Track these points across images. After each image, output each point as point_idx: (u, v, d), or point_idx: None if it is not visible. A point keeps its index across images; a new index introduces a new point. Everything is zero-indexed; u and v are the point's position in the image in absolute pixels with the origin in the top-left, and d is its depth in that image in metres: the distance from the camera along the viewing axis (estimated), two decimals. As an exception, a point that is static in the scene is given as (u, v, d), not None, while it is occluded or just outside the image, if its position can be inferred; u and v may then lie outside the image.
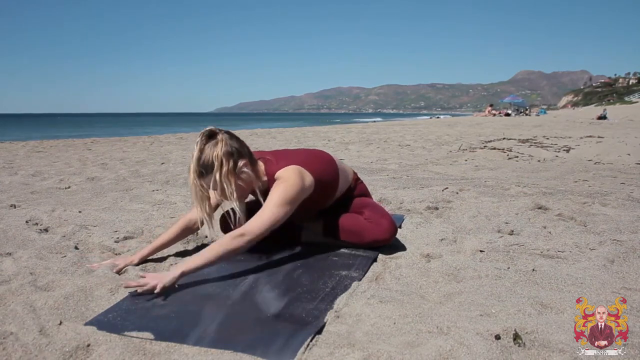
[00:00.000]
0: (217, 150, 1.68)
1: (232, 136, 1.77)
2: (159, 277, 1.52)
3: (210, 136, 1.72)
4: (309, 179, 1.80)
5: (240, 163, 1.74)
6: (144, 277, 1.55)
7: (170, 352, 1.14)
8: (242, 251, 1.68)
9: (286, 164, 1.81)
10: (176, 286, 1.55)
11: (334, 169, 1.97)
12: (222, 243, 1.63)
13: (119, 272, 1.72)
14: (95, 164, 5.52)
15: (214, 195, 1.83)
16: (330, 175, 1.94)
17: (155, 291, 1.49)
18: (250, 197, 1.91)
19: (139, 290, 1.50)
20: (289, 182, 1.74)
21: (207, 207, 1.77)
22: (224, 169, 1.68)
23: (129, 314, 1.34)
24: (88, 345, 1.16)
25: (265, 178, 1.85)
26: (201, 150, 1.68)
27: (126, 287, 1.53)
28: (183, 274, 1.55)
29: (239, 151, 1.75)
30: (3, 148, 8.12)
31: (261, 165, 1.86)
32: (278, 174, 1.79)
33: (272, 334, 1.22)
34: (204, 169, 1.69)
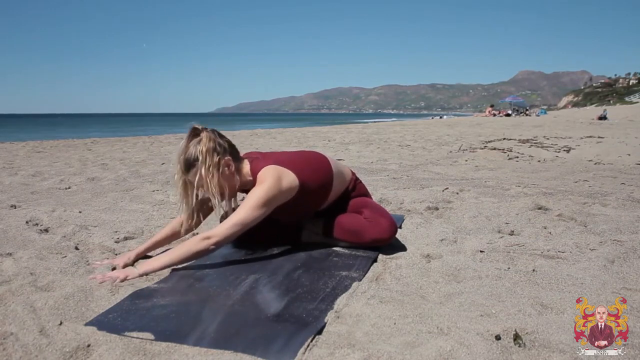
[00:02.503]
0: (200, 147, 1.74)
1: (217, 134, 1.82)
2: (125, 272, 1.65)
3: (195, 134, 1.78)
4: (289, 179, 1.80)
5: (223, 160, 1.78)
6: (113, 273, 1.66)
7: (170, 352, 1.14)
8: (207, 253, 1.74)
9: (268, 163, 1.83)
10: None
11: (326, 171, 1.96)
12: (188, 245, 1.70)
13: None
14: (96, 164, 5.52)
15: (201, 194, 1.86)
16: (322, 177, 1.94)
17: (117, 282, 1.58)
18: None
19: (102, 280, 1.59)
20: (265, 184, 1.76)
21: (190, 202, 1.82)
22: (207, 163, 1.73)
23: (129, 314, 1.34)
24: (88, 346, 1.16)
25: (250, 177, 1.86)
26: (186, 147, 1.76)
27: (90, 278, 1.61)
28: (146, 273, 1.67)
29: (223, 148, 1.79)
30: (3, 148, 8.13)
31: (247, 165, 1.89)
32: (259, 173, 1.81)
33: (272, 334, 1.22)
34: (188, 165, 1.76)
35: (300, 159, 1.92)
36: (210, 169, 1.74)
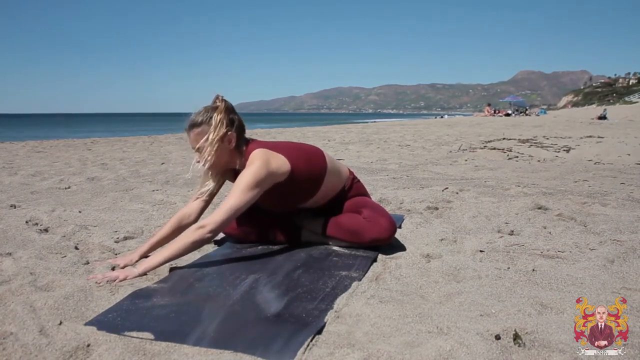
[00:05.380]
0: (215, 114, 1.80)
1: (232, 109, 1.88)
2: (125, 271, 1.64)
3: (213, 101, 1.86)
4: (279, 161, 1.82)
5: (229, 133, 1.83)
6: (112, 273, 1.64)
7: (170, 352, 1.14)
8: (204, 243, 1.75)
9: (260, 147, 1.87)
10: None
11: (320, 162, 1.97)
12: (184, 237, 1.71)
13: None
14: (95, 164, 5.52)
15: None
16: (314, 166, 1.95)
17: (116, 282, 1.58)
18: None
19: (101, 280, 1.58)
20: (253, 166, 1.78)
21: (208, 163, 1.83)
22: (216, 131, 1.79)
23: (129, 314, 1.34)
24: (88, 345, 1.16)
25: (244, 159, 1.89)
26: (199, 110, 1.84)
27: (90, 278, 1.60)
28: (147, 270, 1.67)
29: (233, 122, 1.85)
30: (3, 148, 8.12)
31: (246, 146, 1.92)
32: (249, 156, 1.84)
33: (272, 334, 1.22)
34: (192, 124, 1.82)
35: (294, 147, 1.96)
36: (217, 137, 1.79)
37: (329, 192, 2.03)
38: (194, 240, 1.69)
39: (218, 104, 1.84)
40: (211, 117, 1.80)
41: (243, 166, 1.85)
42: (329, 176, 1.99)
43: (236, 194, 1.73)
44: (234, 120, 1.86)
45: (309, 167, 1.92)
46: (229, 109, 1.86)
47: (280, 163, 1.82)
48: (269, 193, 1.84)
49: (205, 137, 1.80)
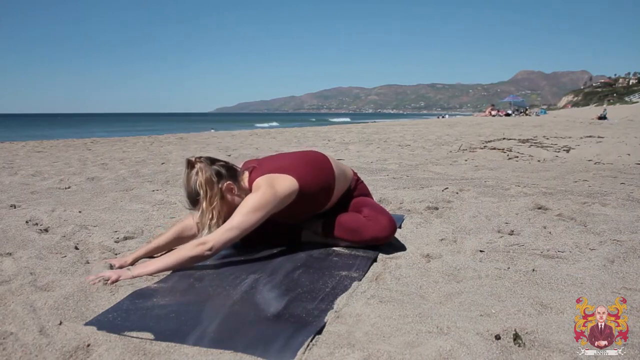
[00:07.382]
0: (199, 179, 1.76)
1: (212, 161, 1.82)
2: (119, 272, 1.63)
3: (191, 166, 1.80)
4: (286, 184, 1.79)
5: (223, 186, 1.79)
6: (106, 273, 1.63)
7: (170, 352, 1.14)
8: (203, 259, 1.72)
9: (263, 172, 1.84)
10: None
11: (328, 172, 1.96)
12: (183, 250, 1.70)
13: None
14: (95, 164, 5.52)
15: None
16: (324, 179, 1.93)
17: (110, 282, 1.56)
18: None
19: (94, 281, 1.56)
20: (259, 190, 1.76)
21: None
22: (208, 195, 1.76)
23: (129, 314, 1.34)
24: (88, 346, 1.16)
25: (248, 189, 1.87)
26: (186, 184, 1.79)
27: (86, 279, 1.59)
28: (140, 274, 1.65)
29: (219, 174, 1.80)
30: (3, 148, 8.12)
31: (246, 177, 1.89)
32: (253, 184, 1.82)
33: (272, 334, 1.22)
34: (192, 201, 1.80)
35: (300, 162, 1.92)
36: (212, 200, 1.76)
37: (336, 196, 2.03)
38: (193, 255, 1.68)
39: (196, 166, 1.78)
40: (197, 185, 1.76)
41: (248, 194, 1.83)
42: (338, 182, 1.99)
43: (240, 215, 1.72)
44: (220, 170, 1.81)
45: (318, 179, 1.90)
46: (208, 165, 1.79)
47: (288, 185, 1.79)
48: (283, 211, 1.82)
49: (201, 208, 1.77)
